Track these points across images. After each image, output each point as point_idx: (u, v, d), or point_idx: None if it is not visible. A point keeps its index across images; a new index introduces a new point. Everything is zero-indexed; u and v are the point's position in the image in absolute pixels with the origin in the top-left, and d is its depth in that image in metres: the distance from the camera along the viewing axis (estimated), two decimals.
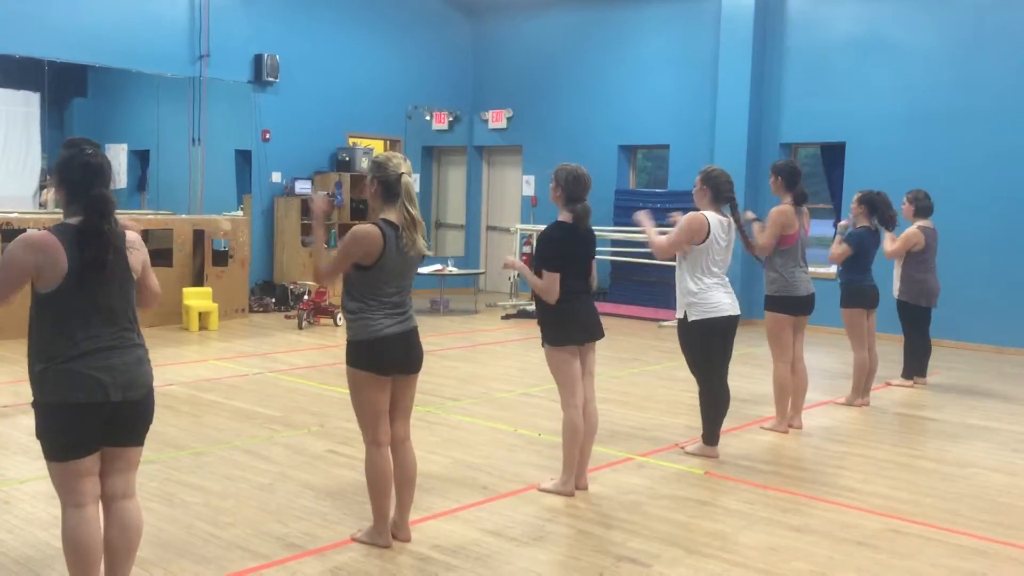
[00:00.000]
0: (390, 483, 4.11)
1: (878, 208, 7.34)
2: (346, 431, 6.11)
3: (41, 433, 3.21)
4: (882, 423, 6.90)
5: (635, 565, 4.03)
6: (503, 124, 14.72)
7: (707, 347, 5.61)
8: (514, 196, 14.90)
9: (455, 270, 12.95)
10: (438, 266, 12.91)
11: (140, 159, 13.71)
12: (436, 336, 10.24)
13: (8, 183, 12.07)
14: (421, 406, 6.88)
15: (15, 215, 9.70)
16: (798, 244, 6.37)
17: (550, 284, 4.77)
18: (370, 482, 4.11)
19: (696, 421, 6.22)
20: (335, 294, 11.97)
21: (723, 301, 5.54)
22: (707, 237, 5.49)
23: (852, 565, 4.11)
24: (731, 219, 5.65)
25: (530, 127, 14.34)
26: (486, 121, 14.92)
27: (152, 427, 6.03)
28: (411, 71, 14.20)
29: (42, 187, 13.14)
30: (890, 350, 8.56)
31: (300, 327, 10.56)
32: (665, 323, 11.33)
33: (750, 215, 6.54)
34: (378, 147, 14.39)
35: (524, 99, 14.42)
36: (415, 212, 4.03)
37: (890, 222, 7.43)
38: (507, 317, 12.07)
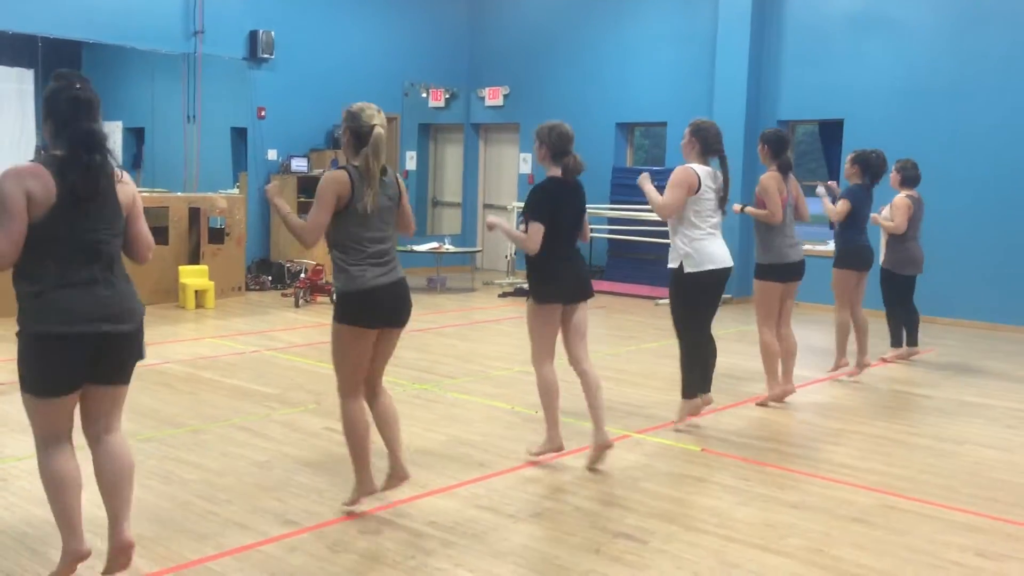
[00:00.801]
0: (368, 432, 4.15)
1: (871, 166, 7.44)
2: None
3: (23, 365, 3.16)
4: (877, 400, 6.92)
5: (631, 541, 4.05)
6: (500, 102, 14.66)
7: (698, 299, 5.68)
8: (511, 174, 14.86)
9: (452, 248, 12.93)
10: (435, 244, 12.90)
11: (135, 137, 13.64)
12: (433, 314, 10.24)
13: (2, 160, 12.00)
14: (418, 383, 6.89)
15: None
16: (787, 211, 6.40)
17: (533, 234, 4.76)
18: (349, 433, 4.14)
19: None
20: (330, 272, 11.97)
21: (717, 253, 5.59)
22: (699, 188, 5.54)
23: (848, 541, 4.13)
24: (719, 172, 5.69)
25: (527, 105, 14.27)
26: (483, 98, 14.86)
27: (149, 404, 6.05)
28: (407, 48, 14.12)
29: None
30: (879, 327, 8.56)
31: (297, 305, 10.56)
32: (661, 301, 11.33)
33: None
34: None
35: (521, 76, 14.35)
36: (374, 165, 3.99)
37: (910, 180, 7.83)
38: (504, 295, 12.07)
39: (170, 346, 8.04)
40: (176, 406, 6.12)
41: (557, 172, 4.91)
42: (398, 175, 4.28)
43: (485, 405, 6.37)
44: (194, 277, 10.31)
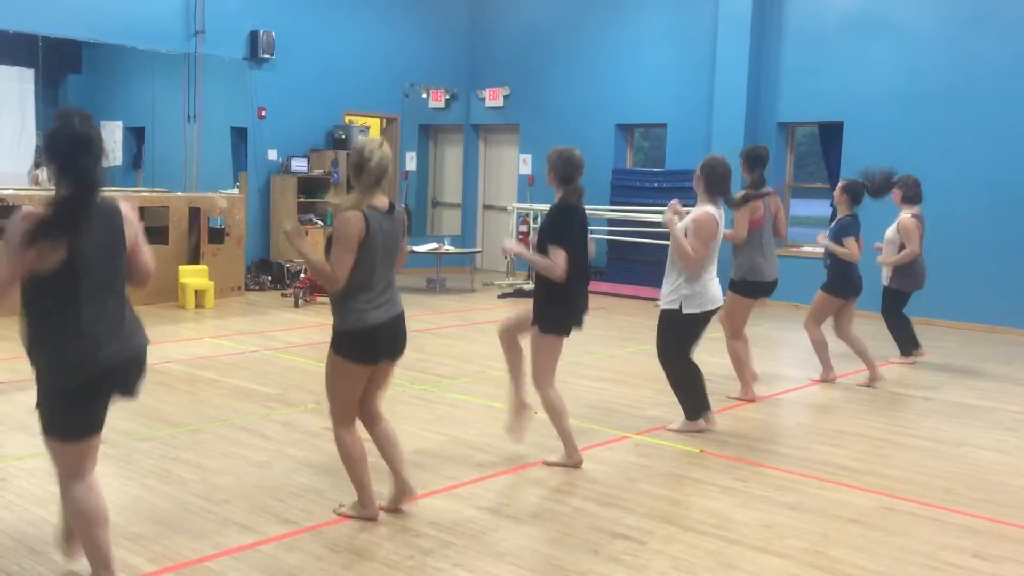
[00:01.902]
0: (364, 457, 4.16)
1: (859, 196, 7.30)
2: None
3: (48, 416, 3.20)
4: (876, 402, 6.93)
5: (630, 542, 4.05)
6: (500, 102, 14.66)
7: (691, 336, 5.71)
8: (511, 175, 14.87)
9: (451, 249, 12.93)
10: (434, 245, 12.90)
11: (135, 136, 13.64)
12: (432, 315, 10.24)
13: (3, 160, 12.01)
14: (417, 384, 6.90)
15: (10, 192, 9.67)
16: (764, 228, 6.46)
17: (560, 261, 4.75)
18: (345, 460, 4.15)
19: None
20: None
21: (715, 294, 5.63)
22: (716, 235, 5.53)
23: (846, 542, 4.14)
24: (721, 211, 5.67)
25: (527, 106, 14.28)
26: (483, 99, 14.86)
27: (148, 404, 6.05)
28: (408, 49, 14.12)
29: (37, 164, 13.08)
30: (872, 329, 8.58)
31: (296, 305, 10.56)
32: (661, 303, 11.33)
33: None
34: (374, 125, 14.34)
35: (521, 77, 14.36)
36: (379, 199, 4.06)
37: (915, 198, 7.89)
38: (503, 296, 12.08)
39: (169, 346, 8.04)
40: (175, 406, 6.12)
41: (568, 197, 4.92)
42: (404, 207, 4.23)
43: (484, 406, 6.38)
44: (194, 277, 10.32)
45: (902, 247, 7.93)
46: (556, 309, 4.90)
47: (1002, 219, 10.28)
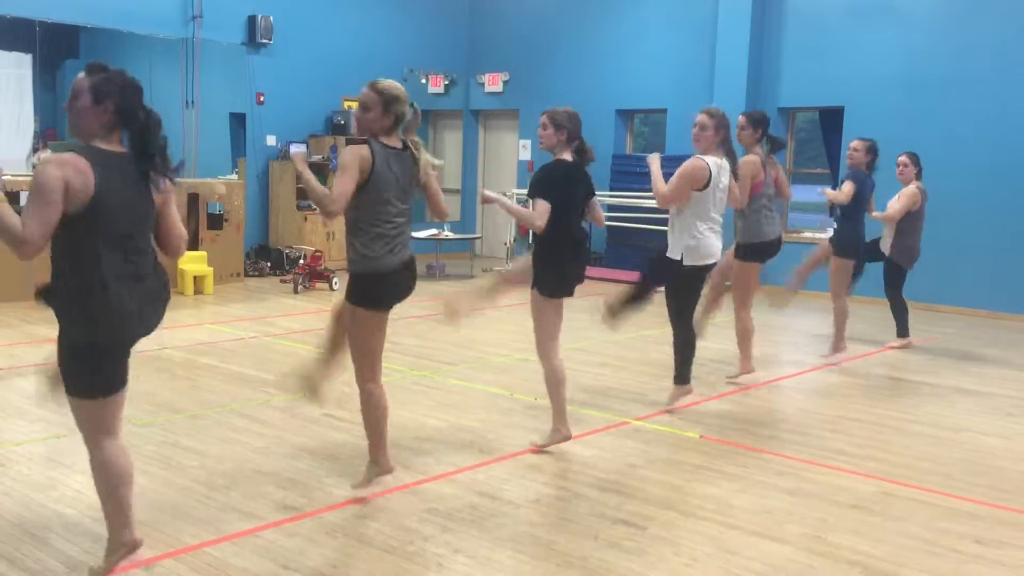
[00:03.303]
0: (386, 415, 4.26)
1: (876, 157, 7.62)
2: (342, 394, 6.12)
3: (76, 374, 3.16)
4: (876, 387, 6.93)
5: (630, 528, 4.05)
6: (499, 88, 14.61)
7: (695, 291, 5.81)
8: (510, 160, 14.83)
9: (451, 235, 12.91)
10: (434, 231, 12.87)
11: None
12: (432, 301, 10.21)
13: (1, 145, 11.98)
14: (418, 370, 6.89)
15: (8, 177, 9.62)
16: (764, 192, 6.50)
17: (542, 212, 4.73)
18: (372, 420, 4.22)
19: (693, 385, 6.24)
20: (329, 258, 11.95)
21: (715, 247, 5.68)
22: (708, 184, 5.52)
23: (845, 528, 4.14)
24: (727, 163, 5.71)
25: (527, 91, 14.23)
26: (482, 85, 14.81)
27: (148, 390, 6.06)
28: (407, 33, 14.06)
29: (35, 149, 13.04)
30: (873, 315, 8.58)
31: (296, 291, 10.55)
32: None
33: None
34: None
35: (521, 63, 14.30)
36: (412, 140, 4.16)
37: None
38: None
39: (169, 332, 8.03)
40: (175, 392, 6.12)
41: (567, 156, 4.90)
42: (424, 151, 4.22)
43: (484, 392, 6.37)
44: (193, 263, 10.30)
45: (904, 216, 7.95)
46: (553, 271, 4.89)
47: (1003, 204, 10.25)
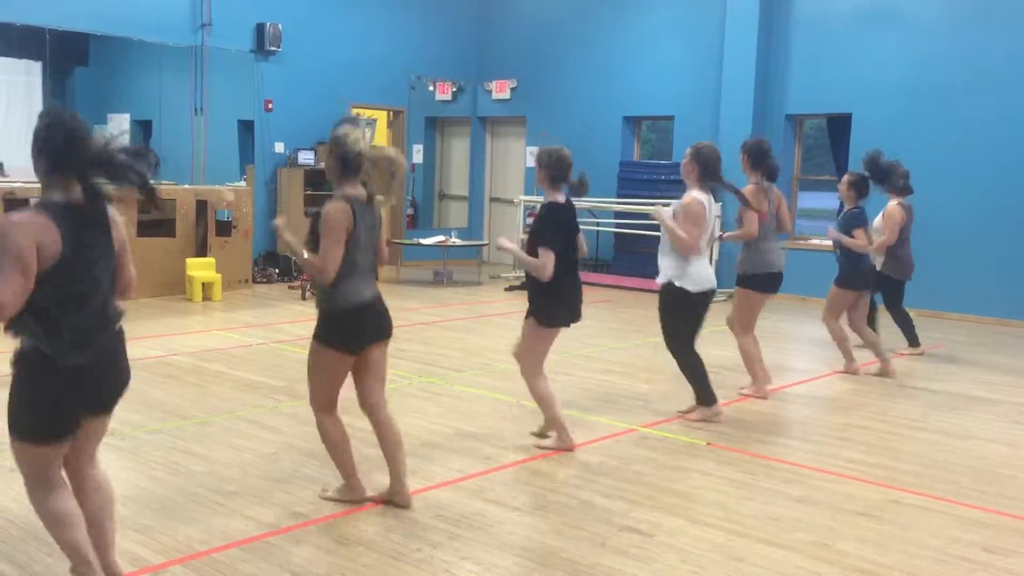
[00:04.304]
0: (347, 441, 4.24)
1: (889, 178, 7.62)
2: (349, 401, 6.12)
3: (22, 419, 3.05)
4: (884, 394, 6.91)
5: (637, 535, 4.05)
6: (507, 95, 14.64)
7: (696, 317, 5.77)
8: (518, 167, 14.84)
9: (458, 241, 12.93)
10: (441, 237, 12.90)
11: (143, 129, 13.64)
12: (439, 307, 10.23)
13: (10, 153, 12.03)
14: (424, 376, 6.90)
15: (19, 185, 9.68)
16: (768, 222, 6.44)
17: (548, 262, 4.88)
18: (328, 446, 4.24)
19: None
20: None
21: (710, 275, 5.72)
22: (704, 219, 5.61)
23: (853, 535, 4.13)
24: (712, 196, 5.77)
25: (534, 98, 14.25)
26: (490, 91, 14.84)
27: (157, 397, 6.07)
28: (414, 41, 14.10)
29: None
30: (884, 321, 8.57)
31: (303, 298, 10.57)
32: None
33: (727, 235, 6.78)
34: (381, 117, 14.33)
35: (528, 69, 14.33)
36: (386, 188, 4.15)
37: (904, 189, 7.90)
38: (510, 289, 12.06)
39: (177, 338, 8.06)
40: (183, 398, 6.14)
41: (557, 197, 5.02)
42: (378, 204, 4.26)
43: (491, 399, 6.38)
44: (201, 270, 10.33)
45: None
46: (552, 304, 5.02)
47: (1011, 210, 10.22)
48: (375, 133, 13.65)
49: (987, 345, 9.05)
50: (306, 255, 4.03)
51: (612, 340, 8.62)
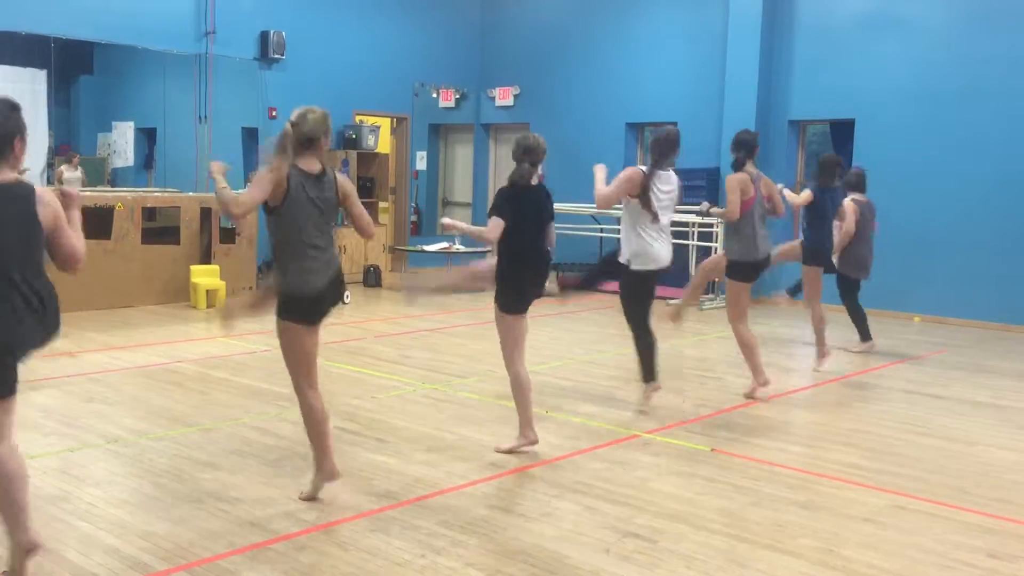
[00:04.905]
0: (327, 420, 4.38)
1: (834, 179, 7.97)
2: (354, 407, 6.15)
3: None
4: (888, 400, 6.90)
5: (641, 541, 4.05)
6: (510, 101, 14.66)
7: (644, 295, 6.09)
8: None
9: (462, 248, 12.93)
10: (445, 244, 12.91)
11: (147, 137, 13.69)
12: (442, 314, 10.23)
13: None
14: (428, 383, 6.90)
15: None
16: (754, 209, 6.57)
17: (493, 227, 5.03)
18: (311, 425, 4.36)
19: (702, 397, 6.25)
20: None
21: (661, 253, 5.97)
22: (641, 190, 5.84)
23: (858, 541, 4.13)
24: (675, 176, 6.11)
25: (537, 105, 14.27)
26: (493, 99, 14.86)
27: (161, 404, 6.07)
28: (418, 48, 14.13)
29: (49, 164, 13.13)
30: (885, 327, 8.62)
31: None
32: (672, 300, 11.32)
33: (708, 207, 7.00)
34: (385, 124, 14.35)
35: (531, 76, 14.35)
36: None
37: (858, 186, 8.34)
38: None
39: (181, 345, 8.07)
40: (187, 405, 6.15)
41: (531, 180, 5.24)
42: (339, 174, 4.42)
43: (495, 404, 6.38)
44: (205, 277, 10.35)
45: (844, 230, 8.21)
46: (510, 289, 5.18)
47: (1014, 216, 10.21)
48: (379, 139, 13.67)
49: (991, 350, 9.03)
50: (225, 190, 4.24)
51: (616, 346, 8.61)
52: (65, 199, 3.48)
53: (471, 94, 14.99)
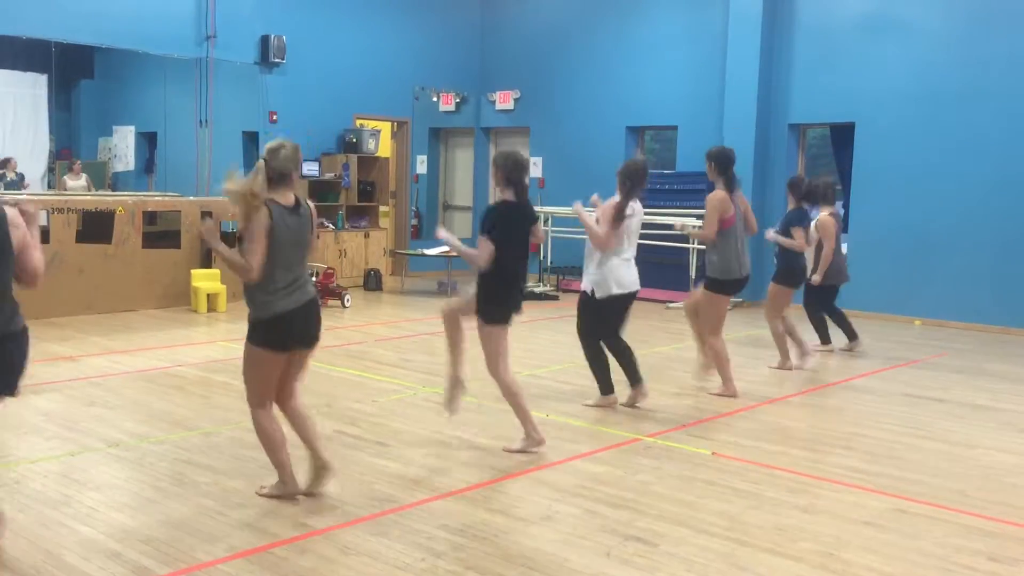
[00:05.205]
0: (282, 438, 4.43)
1: (811, 196, 8.06)
2: (354, 411, 6.15)
3: None
4: (889, 403, 6.90)
5: (642, 544, 4.05)
6: (510, 105, 14.68)
7: (604, 319, 6.20)
8: None
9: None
10: (445, 248, 12.89)
11: (148, 141, 13.70)
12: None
13: (21, 163, 12.11)
14: (428, 386, 6.90)
15: (24, 196, 9.73)
16: (735, 226, 6.63)
17: (483, 251, 5.13)
18: (265, 442, 4.42)
19: (705, 402, 6.25)
20: (341, 276, 12.01)
21: (625, 278, 6.10)
22: (619, 219, 6.02)
23: (859, 545, 4.13)
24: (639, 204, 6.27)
25: (538, 108, 14.29)
26: (493, 102, 14.88)
27: (162, 407, 6.07)
28: (418, 52, 14.15)
29: (50, 169, 13.15)
30: (877, 329, 8.61)
31: None
32: (672, 304, 11.33)
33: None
34: (385, 128, 14.37)
35: (532, 80, 14.37)
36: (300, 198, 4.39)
37: (829, 200, 8.36)
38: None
39: (182, 349, 8.08)
40: (188, 409, 6.15)
41: (509, 195, 5.27)
42: (310, 204, 4.49)
43: (495, 408, 6.37)
44: (206, 281, 10.36)
45: (820, 244, 8.22)
46: (495, 301, 5.27)
47: (1013, 218, 10.21)
48: (379, 143, 13.69)
49: (991, 354, 9.03)
50: (231, 255, 4.20)
51: None
52: (25, 216, 3.57)
53: (471, 98, 15.01)
